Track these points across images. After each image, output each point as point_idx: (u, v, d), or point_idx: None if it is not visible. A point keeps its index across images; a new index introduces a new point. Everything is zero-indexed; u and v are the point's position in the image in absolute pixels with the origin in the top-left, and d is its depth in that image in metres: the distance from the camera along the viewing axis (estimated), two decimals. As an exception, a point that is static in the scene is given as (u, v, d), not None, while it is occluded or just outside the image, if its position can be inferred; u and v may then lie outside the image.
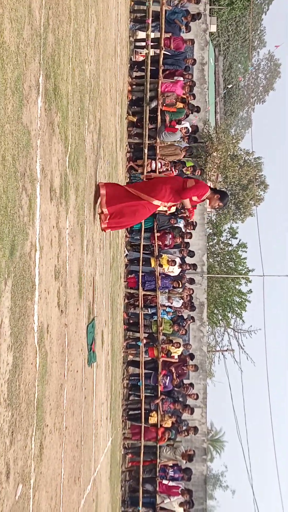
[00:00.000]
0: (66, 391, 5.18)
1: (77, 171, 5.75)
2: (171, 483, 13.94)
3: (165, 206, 7.45)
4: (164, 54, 15.06)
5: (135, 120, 15.28)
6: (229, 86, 36.96)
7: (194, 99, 15.57)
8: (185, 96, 15.18)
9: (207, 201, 7.51)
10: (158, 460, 14.03)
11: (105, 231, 7.66)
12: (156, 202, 7.32)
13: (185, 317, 15.41)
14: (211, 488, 58.69)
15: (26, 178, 3.60)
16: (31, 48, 3.71)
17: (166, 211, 8.04)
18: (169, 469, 14.03)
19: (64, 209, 5.02)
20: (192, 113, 15.68)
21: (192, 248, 16.37)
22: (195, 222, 16.04)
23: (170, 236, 14.85)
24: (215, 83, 30.65)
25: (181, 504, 13.98)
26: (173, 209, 12.87)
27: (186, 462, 14.17)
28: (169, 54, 15.36)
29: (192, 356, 15.10)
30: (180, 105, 15.11)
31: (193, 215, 8.03)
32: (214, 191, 7.46)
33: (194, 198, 7.30)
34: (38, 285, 3.97)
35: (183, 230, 15.28)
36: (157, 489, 14.00)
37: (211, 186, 7.71)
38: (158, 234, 14.86)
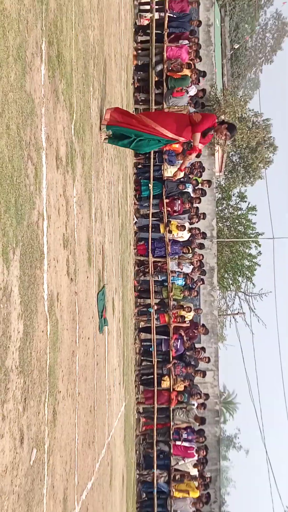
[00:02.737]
0: (78, 358, 5.24)
1: (83, 139, 5.72)
2: (185, 443, 14.16)
3: (168, 137, 7.21)
4: (169, 17, 14.81)
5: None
6: (236, 47, 36.37)
7: (200, 61, 15.34)
8: (190, 62, 14.96)
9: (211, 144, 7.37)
10: (171, 423, 14.23)
11: (104, 125, 7.19)
12: (160, 129, 7.12)
13: (195, 279, 15.43)
14: (224, 449, 59.57)
15: (31, 147, 3.59)
16: (33, 14, 3.66)
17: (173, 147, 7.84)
18: (183, 432, 14.24)
19: (71, 177, 5.01)
20: (198, 80, 15.44)
21: (201, 211, 16.27)
22: (207, 186, 15.88)
23: (179, 202, 14.79)
24: (221, 44, 30.14)
25: (195, 465, 14.23)
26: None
27: (198, 425, 14.36)
28: (174, 16, 15.10)
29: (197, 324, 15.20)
30: (186, 71, 14.89)
31: (199, 151, 7.73)
32: (222, 122, 7.27)
33: (200, 146, 7.17)
34: (47, 253, 3.99)
35: (192, 195, 15.21)
36: (171, 451, 14.23)
37: (221, 121, 7.47)
38: (167, 200, 14.81)
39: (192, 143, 7.24)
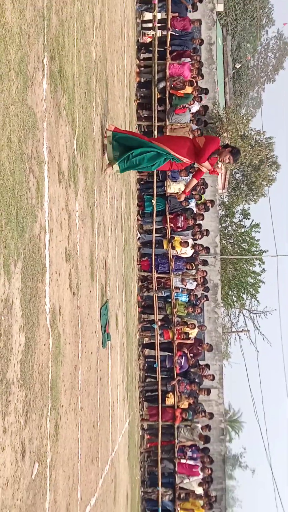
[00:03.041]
0: (81, 372, 5.22)
1: (86, 154, 5.75)
2: (189, 462, 14.05)
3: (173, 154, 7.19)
4: (171, 35, 14.95)
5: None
6: (238, 66, 36.60)
7: (202, 79, 15.44)
8: (193, 79, 15.05)
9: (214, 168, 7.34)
10: (176, 441, 14.13)
11: (110, 130, 7.10)
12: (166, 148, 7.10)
13: (199, 295, 15.40)
14: (230, 468, 59.03)
15: (33, 160, 3.61)
16: (34, 29, 3.70)
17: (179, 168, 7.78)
18: (187, 449, 14.13)
19: (73, 191, 5.03)
20: (200, 98, 15.53)
21: (204, 228, 16.30)
22: (210, 206, 15.93)
23: (182, 218, 14.82)
24: (223, 63, 30.38)
25: (200, 484, 14.10)
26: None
27: (203, 443, 14.26)
28: (176, 34, 15.24)
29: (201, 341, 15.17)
30: (188, 89, 14.99)
31: (217, 173, 7.73)
32: (226, 146, 7.24)
33: (206, 165, 7.15)
34: (49, 267, 4.00)
35: (195, 211, 15.24)
36: (176, 469, 14.12)
37: (226, 145, 7.44)
38: (170, 216, 14.84)
39: (197, 167, 7.30)
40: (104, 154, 7.04)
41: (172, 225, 14.87)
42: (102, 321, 6.75)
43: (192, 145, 7.12)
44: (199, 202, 15.32)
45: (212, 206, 16.22)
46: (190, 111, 15.16)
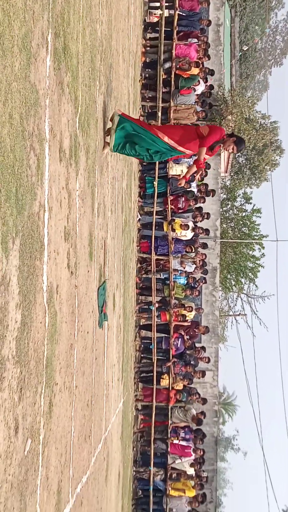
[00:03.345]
0: (77, 351, 5.24)
1: (88, 133, 5.72)
2: (182, 442, 14.18)
3: (176, 148, 7.12)
4: (178, 15, 14.80)
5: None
6: (245, 48, 36.28)
7: (208, 60, 15.31)
8: (199, 60, 14.93)
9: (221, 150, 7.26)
10: (169, 422, 14.24)
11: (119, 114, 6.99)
12: (167, 140, 7.03)
13: (197, 278, 15.42)
14: (222, 450, 59.55)
15: (34, 138, 3.59)
16: (39, 5, 3.66)
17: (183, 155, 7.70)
18: (180, 430, 14.25)
19: (74, 170, 5.01)
20: (206, 79, 15.41)
21: (205, 211, 16.28)
22: (211, 195, 15.90)
23: (183, 199, 14.79)
24: (230, 45, 30.11)
25: (191, 465, 14.23)
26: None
27: (196, 426, 14.37)
28: (184, 15, 15.09)
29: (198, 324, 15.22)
30: (194, 70, 14.86)
31: (203, 167, 7.60)
32: (231, 135, 7.14)
33: (206, 156, 7.10)
34: (47, 245, 4.00)
35: (196, 194, 15.21)
36: (168, 449, 14.24)
37: (232, 134, 7.33)
38: (171, 197, 14.81)
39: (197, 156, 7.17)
40: (106, 135, 6.98)
41: (173, 206, 14.84)
42: (100, 301, 6.76)
43: (196, 135, 7.04)
44: (199, 183, 15.26)
45: (213, 196, 16.18)
46: (195, 91, 15.06)
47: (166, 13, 15.10)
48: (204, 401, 14.67)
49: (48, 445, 4.16)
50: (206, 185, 15.94)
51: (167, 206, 14.81)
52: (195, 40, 14.84)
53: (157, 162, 14.74)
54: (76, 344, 5.22)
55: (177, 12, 14.72)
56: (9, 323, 3.16)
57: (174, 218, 14.82)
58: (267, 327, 31.90)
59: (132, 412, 13.33)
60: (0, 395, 3.03)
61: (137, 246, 14.69)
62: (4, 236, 3.03)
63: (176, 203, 14.95)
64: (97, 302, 6.61)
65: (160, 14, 15.11)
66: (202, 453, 14.33)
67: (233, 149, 7.06)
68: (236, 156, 29.29)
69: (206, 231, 15.50)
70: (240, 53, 35.07)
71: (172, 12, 15.00)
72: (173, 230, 14.77)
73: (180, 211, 15.02)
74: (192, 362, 14.41)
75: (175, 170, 15.01)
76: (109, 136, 6.94)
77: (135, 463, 14.56)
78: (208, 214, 15.59)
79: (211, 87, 15.96)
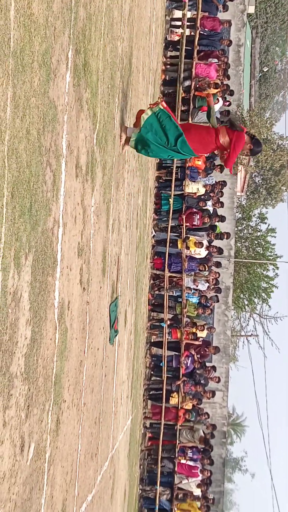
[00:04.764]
0: (86, 368, 5.20)
1: (105, 149, 5.72)
2: (189, 463, 14.02)
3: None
4: (200, 34, 14.85)
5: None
6: (265, 69, 36.39)
7: (228, 80, 15.32)
8: (218, 81, 14.94)
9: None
10: (177, 441, 14.09)
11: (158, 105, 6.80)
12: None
13: (209, 296, 15.32)
14: (230, 471, 58.95)
15: (51, 153, 3.58)
16: (61, 21, 3.67)
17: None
18: (188, 450, 14.10)
19: (90, 186, 5.00)
20: (225, 98, 15.41)
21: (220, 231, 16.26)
22: (226, 237, 15.91)
23: (198, 216, 14.75)
24: (250, 65, 30.20)
25: (198, 485, 14.06)
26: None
27: (203, 447, 14.21)
28: (205, 34, 15.14)
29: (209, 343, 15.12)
30: (213, 91, 14.87)
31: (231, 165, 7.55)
32: (251, 139, 7.02)
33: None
34: (60, 261, 3.98)
35: (212, 213, 15.17)
36: (175, 469, 14.09)
37: (250, 134, 7.23)
38: (186, 213, 14.79)
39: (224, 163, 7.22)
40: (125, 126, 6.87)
41: (187, 224, 14.81)
42: (111, 318, 6.73)
43: (214, 143, 6.98)
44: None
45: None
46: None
47: (187, 32, 15.15)
48: (214, 427, 14.49)
49: (54, 463, 4.10)
50: (222, 203, 15.91)
51: (182, 223, 14.78)
52: (216, 60, 14.87)
53: (173, 180, 14.74)
54: (86, 361, 5.18)
55: (198, 31, 14.77)
56: (19, 339, 3.13)
57: (188, 235, 14.78)
58: (279, 349, 31.68)
59: (140, 430, 13.22)
60: (7, 412, 2.99)
61: (151, 262, 14.65)
62: (17, 252, 3.01)
63: (191, 220, 14.91)
64: (108, 318, 6.57)
65: (181, 32, 15.17)
66: (209, 474, 14.15)
67: (247, 153, 7.10)
68: (253, 176, 29.28)
69: (220, 250, 15.44)
70: (260, 74, 35.16)
71: (193, 31, 15.05)
72: (187, 247, 14.72)
73: (194, 227, 14.97)
74: (202, 382, 14.27)
75: (191, 188, 14.99)
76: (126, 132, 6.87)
77: (141, 482, 14.40)
78: (228, 234, 15.64)
79: (228, 113, 15.98)
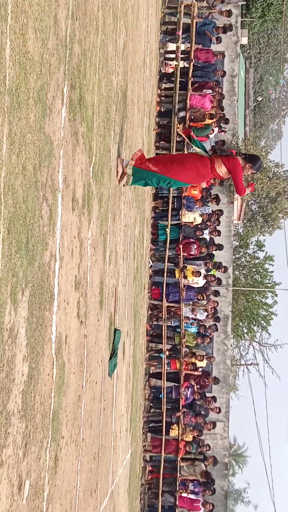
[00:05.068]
0: (84, 403, 5.14)
1: (101, 182, 5.74)
2: (191, 496, 13.80)
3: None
4: (194, 66, 15.05)
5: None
6: (260, 99, 36.83)
7: (222, 111, 15.47)
8: (213, 112, 15.09)
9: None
10: (178, 474, 13.90)
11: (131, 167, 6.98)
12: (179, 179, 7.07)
13: (207, 325, 15.27)
14: (232, 503, 58.04)
15: (47, 188, 3.59)
16: (56, 58, 3.70)
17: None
18: (189, 483, 13.89)
19: (87, 219, 5.00)
20: (220, 127, 15.57)
21: (218, 260, 16.29)
22: (222, 271, 16.05)
23: (195, 246, 14.77)
24: (245, 95, 30.56)
25: (200, 519, 13.83)
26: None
27: (205, 480, 14.00)
28: (199, 66, 15.34)
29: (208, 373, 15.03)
30: (208, 121, 15.03)
31: (252, 189, 7.66)
32: (245, 158, 7.11)
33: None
34: (57, 295, 3.95)
35: (209, 242, 15.21)
36: (177, 502, 13.87)
37: (241, 154, 7.34)
38: (183, 243, 14.81)
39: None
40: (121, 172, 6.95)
41: (185, 254, 14.82)
42: (115, 348, 6.70)
43: (210, 174, 7.06)
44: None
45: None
46: (210, 142, 15.20)
47: (181, 64, 15.35)
48: (215, 462, 14.27)
49: (52, 502, 4.03)
50: (219, 232, 15.96)
51: (179, 253, 14.80)
52: (210, 91, 15.04)
53: (169, 209, 14.80)
54: (84, 395, 5.12)
55: (192, 63, 14.97)
56: (16, 376, 3.09)
57: (186, 265, 14.77)
58: (280, 377, 31.49)
59: (140, 463, 13.04)
60: (5, 451, 2.94)
61: (149, 292, 14.62)
62: (13, 288, 2.99)
63: (189, 250, 14.93)
64: (110, 351, 6.53)
65: (175, 65, 15.37)
66: (211, 507, 13.93)
67: (252, 173, 7.16)
68: (249, 204, 29.42)
69: (218, 280, 15.44)
70: (255, 104, 35.56)
71: (187, 63, 15.25)
72: (185, 277, 14.71)
73: (191, 256, 14.99)
74: (202, 413, 14.13)
75: (188, 217, 15.05)
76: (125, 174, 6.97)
77: (142, 516, 14.17)
78: (226, 267, 15.76)
79: (223, 142, 16.17)
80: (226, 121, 15.85)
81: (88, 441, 5.43)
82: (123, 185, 7.12)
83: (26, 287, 3.22)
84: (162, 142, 15.46)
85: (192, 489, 13.80)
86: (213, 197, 15.68)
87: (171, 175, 6.93)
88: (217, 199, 15.58)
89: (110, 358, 6.74)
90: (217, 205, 16.00)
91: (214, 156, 7.23)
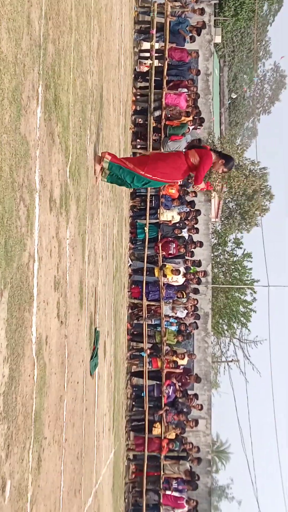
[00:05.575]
0: (66, 403, 5.13)
1: (78, 182, 5.73)
2: (175, 493, 13.83)
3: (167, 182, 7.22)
4: (168, 64, 15.08)
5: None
6: (234, 96, 37.03)
7: (198, 111, 15.52)
8: (189, 110, 15.15)
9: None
10: (161, 472, 13.92)
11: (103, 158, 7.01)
12: (154, 178, 7.10)
13: (188, 323, 15.32)
14: (216, 499, 58.30)
15: (24, 189, 3.58)
16: (30, 58, 3.69)
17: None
18: (173, 481, 13.93)
19: (65, 219, 4.99)
20: (195, 126, 15.64)
21: (197, 258, 16.36)
22: (202, 275, 16.18)
23: (174, 245, 14.81)
24: (220, 93, 30.70)
25: (185, 516, 13.87)
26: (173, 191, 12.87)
27: (189, 480, 14.05)
28: (173, 64, 15.38)
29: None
30: (184, 119, 15.08)
31: (207, 187, 7.73)
32: (219, 155, 7.16)
33: (201, 186, 7.17)
34: (37, 296, 3.94)
35: (187, 240, 15.25)
36: (161, 500, 13.89)
37: (216, 150, 7.40)
38: (162, 242, 14.85)
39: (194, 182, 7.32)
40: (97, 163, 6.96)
41: (164, 253, 14.85)
42: (95, 350, 6.69)
43: (186, 166, 7.08)
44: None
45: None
46: (186, 140, 15.23)
47: (156, 62, 15.38)
48: (199, 461, 14.33)
49: (36, 503, 4.02)
50: (197, 229, 16.03)
51: (158, 252, 14.82)
52: (185, 89, 15.09)
53: (147, 208, 14.84)
54: (66, 395, 5.12)
55: (166, 62, 15.00)
56: (-3, 377, 3.08)
57: (165, 263, 14.81)
58: (260, 372, 31.66)
59: (123, 462, 13.04)
60: (-14, 453, 2.93)
61: (128, 291, 14.62)
62: (-8, 289, 2.98)
63: (167, 249, 14.97)
64: (91, 351, 6.52)
65: (150, 63, 15.40)
66: (195, 504, 13.99)
67: (223, 170, 7.17)
68: (226, 202, 29.56)
69: (198, 279, 15.49)
70: (229, 101, 35.73)
71: (161, 62, 15.29)
72: (164, 275, 14.75)
73: (170, 256, 15.03)
74: (184, 410, 14.18)
75: (166, 216, 15.10)
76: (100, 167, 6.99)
77: (127, 515, 14.17)
78: (199, 261, 15.76)
79: (199, 141, 16.25)
80: (202, 121, 15.90)
81: (71, 441, 5.43)
82: (101, 180, 7.14)
83: (5, 288, 3.21)
84: (139, 140, 15.48)
85: (176, 486, 13.83)
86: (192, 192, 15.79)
87: (146, 172, 6.95)
88: (195, 192, 15.69)
89: (91, 358, 6.73)
90: (196, 196, 16.21)
91: (188, 150, 7.31)
